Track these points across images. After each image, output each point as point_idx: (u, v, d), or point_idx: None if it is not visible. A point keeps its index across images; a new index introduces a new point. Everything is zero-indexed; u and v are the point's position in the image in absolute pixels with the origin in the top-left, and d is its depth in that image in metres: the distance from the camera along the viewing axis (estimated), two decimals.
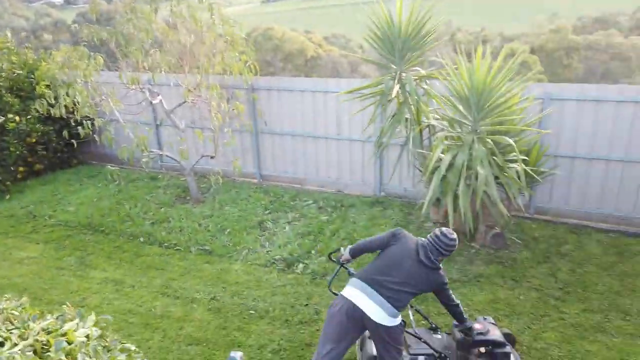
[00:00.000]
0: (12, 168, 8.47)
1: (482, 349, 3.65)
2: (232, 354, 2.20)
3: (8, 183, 8.42)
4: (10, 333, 1.81)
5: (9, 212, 7.76)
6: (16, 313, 2.00)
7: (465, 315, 3.70)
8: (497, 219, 5.89)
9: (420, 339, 3.77)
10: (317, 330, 4.65)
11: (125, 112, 7.50)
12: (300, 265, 5.88)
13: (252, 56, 7.30)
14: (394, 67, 5.98)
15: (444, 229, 3.57)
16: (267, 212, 7.37)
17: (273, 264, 5.97)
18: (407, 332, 3.72)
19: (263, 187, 8.31)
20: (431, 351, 3.71)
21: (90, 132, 7.03)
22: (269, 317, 4.90)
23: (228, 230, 6.79)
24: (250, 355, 4.35)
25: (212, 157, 7.60)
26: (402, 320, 3.48)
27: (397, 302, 3.35)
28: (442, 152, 5.49)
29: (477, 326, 3.69)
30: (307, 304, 5.11)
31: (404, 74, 5.90)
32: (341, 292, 3.49)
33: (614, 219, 6.53)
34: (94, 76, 6.97)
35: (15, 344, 1.76)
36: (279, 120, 8.18)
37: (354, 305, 3.31)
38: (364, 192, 7.92)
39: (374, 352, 3.56)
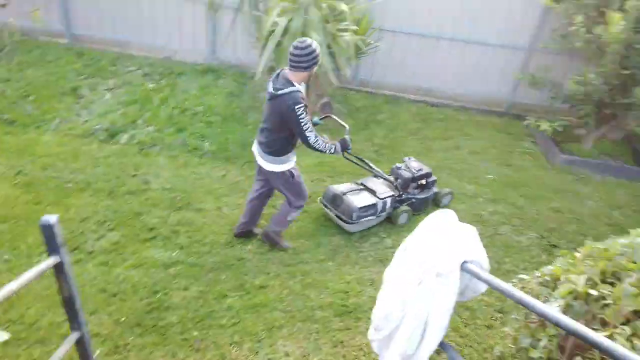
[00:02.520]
0: None
1: (423, 181, 4.68)
2: (45, 217, 1.97)
3: None
4: None
5: None
6: None
7: (328, 145, 3.56)
8: (326, 88, 6.15)
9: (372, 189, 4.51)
10: (147, 199, 4.50)
11: None
12: (125, 136, 5.44)
13: None
14: None
15: (295, 42, 3.28)
16: (81, 77, 6.46)
17: (92, 134, 5.40)
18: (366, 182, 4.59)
19: (75, 48, 7.15)
20: (392, 193, 4.50)
21: None
22: (90, 190, 4.54)
23: (33, 97, 5.82)
24: (71, 228, 4.04)
25: (2, 6, 6.13)
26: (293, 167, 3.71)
27: (269, 148, 3.55)
28: (279, 15, 5.31)
29: (414, 164, 4.73)
30: (134, 175, 4.84)
31: None
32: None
33: (423, 91, 7.39)
34: None
35: None
36: None
37: (257, 162, 3.75)
38: (195, 59, 7.41)
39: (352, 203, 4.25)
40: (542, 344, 1.98)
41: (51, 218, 2.03)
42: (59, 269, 2.11)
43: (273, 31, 5.29)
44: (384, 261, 4.12)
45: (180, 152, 5.31)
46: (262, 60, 5.41)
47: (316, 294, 3.69)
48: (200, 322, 3.31)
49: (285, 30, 5.26)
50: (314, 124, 3.93)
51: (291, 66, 3.30)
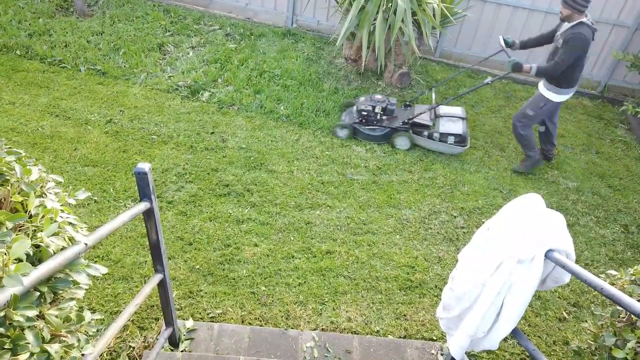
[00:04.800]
0: None
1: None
2: (140, 165, 2.07)
3: None
4: None
5: None
6: None
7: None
8: (407, 58, 5.95)
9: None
10: (224, 157, 4.66)
11: None
12: (206, 94, 5.61)
13: None
14: None
15: None
16: (167, 34, 6.68)
17: (176, 89, 5.61)
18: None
19: (162, 4, 7.38)
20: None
21: None
22: (172, 143, 4.76)
23: (123, 50, 6.11)
24: (154, 177, 4.28)
25: None
26: None
27: None
28: None
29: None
30: (212, 132, 5.01)
31: None
32: None
33: None
34: None
35: None
36: None
37: None
38: (275, 22, 7.42)
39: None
40: (630, 345, 1.86)
41: (145, 166, 2.13)
42: (149, 214, 2.24)
43: None
44: (454, 241, 4.03)
45: (256, 113, 5.40)
46: (344, 26, 5.31)
47: (382, 265, 3.69)
48: (267, 278, 3.43)
49: None
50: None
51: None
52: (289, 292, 3.35)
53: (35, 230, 1.49)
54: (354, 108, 5.28)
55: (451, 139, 5.00)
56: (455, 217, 4.32)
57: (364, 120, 5.12)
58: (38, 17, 6.44)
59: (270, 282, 3.41)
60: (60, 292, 1.48)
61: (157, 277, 2.40)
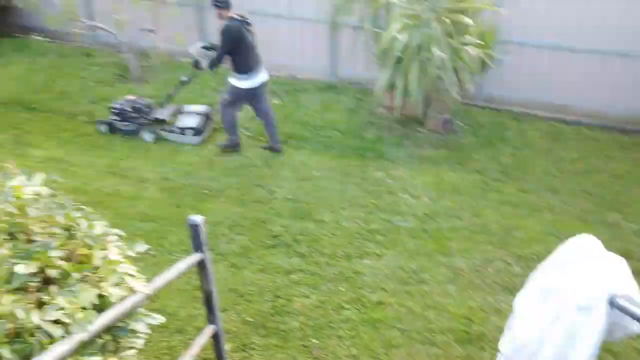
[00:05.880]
0: None
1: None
2: (193, 217, 2.15)
3: None
4: None
5: None
6: None
7: None
8: (447, 105, 5.98)
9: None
10: (272, 208, 4.75)
11: None
12: (253, 149, 5.81)
13: None
14: None
15: None
16: (216, 94, 7.06)
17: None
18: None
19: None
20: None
21: None
22: (223, 197, 4.92)
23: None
24: (206, 230, 4.41)
25: (151, 31, 6.97)
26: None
27: None
28: (399, 31, 5.31)
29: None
30: (260, 185, 5.14)
31: None
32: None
33: (555, 107, 6.82)
34: None
35: None
36: None
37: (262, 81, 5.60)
38: (317, 77, 7.71)
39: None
40: None
41: (198, 219, 2.22)
42: (201, 265, 2.30)
43: (393, 47, 5.30)
44: (512, 290, 3.83)
45: (301, 165, 5.53)
46: (382, 76, 5.44)
47: (436, 316, 3.55)
48: (319, 330, 3.37)
49: (406, 46, 5.24)
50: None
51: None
52: (341, 345, 3.28)
53: (99, 280, 1.56)
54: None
55: (189, 132, 5.80)
56: (510, 264, 4.14)
57: (119, 118, 5.89)
58: (99, 86, 7.01)
59: (322, 334, 3.35)
60: (122, 340, 1.53)
61: (211, 329, 2.43)
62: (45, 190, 1.74)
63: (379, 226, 4.55)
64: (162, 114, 5.97)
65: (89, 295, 1.34)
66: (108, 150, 5.65)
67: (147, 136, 5.90)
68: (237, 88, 5.40)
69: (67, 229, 1.64)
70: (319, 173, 5.39)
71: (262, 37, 7.63)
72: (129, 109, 5.85)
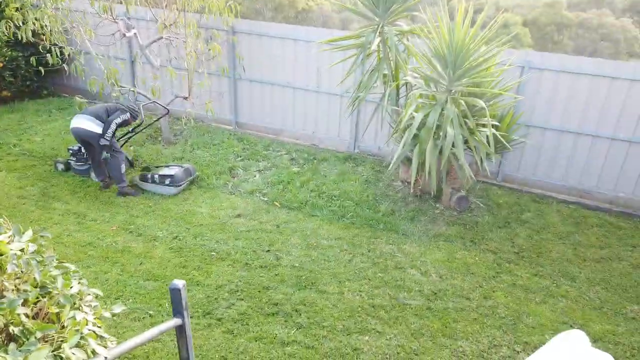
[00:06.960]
0: None
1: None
2: (175, 282, 2.19)
3: None
4: None
5: None
6: None
7: None
8: (462, 182, 5.98)
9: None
10: (276, 275, 4.73)
11: (97, 44, 7.22)
12: (266, 214, 5.89)
13: None
14: (377, 19, 5.84)
15: None
16: (239, 158, 7.31)
17: (236, 209, 5.97)
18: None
19: (238, 134, 8.20)
20: None
21: (59, 61, 6.72)
22: (229, 260, 4.95)
23: (197, 173, 6.73)
24: (207, 293, 4.41)
25: (185, 98, 7.43)
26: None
27: None
28: (416, 111, 5.47)
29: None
30: (268, 250, 5.16)
31: (386, 28, 5.77)
32: None
33: (577, 191, 6.70)
34: (65, 1, 6.62)
35: None
36: (258, 66, 7.98)
37: None
38: (338, 148, 7.90)
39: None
40: None
41: (179, 283, 2.24)
42: (180, 330, 2.29)
43: (410, 124, 5.44)
44: None
45: (312, 233, 5.54)
46: (397, 152, 5.54)
47: None
48: None
49: (422, 124, 5.37)
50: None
51: None
52: None
53: (62, 340, 1.59)
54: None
55: (167, 180, 6.14)
56: (518, 352, 3.92)
57: (74, 159, 6.46)
58: (130, 146, 7.38)
59: None
60: None
61: None
62: (30, 247, 1.82)
63: (383, 301, 4.44)
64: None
65: (38, 356, 1.36)
66: (126, 208, 5.84)
67: (93, 175, 6.44)
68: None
69: (42, 286, 1.70)
70: (328, 242, 5.38)
71: (290, 109, 8.05)
72: (83, 151, 6.38)
